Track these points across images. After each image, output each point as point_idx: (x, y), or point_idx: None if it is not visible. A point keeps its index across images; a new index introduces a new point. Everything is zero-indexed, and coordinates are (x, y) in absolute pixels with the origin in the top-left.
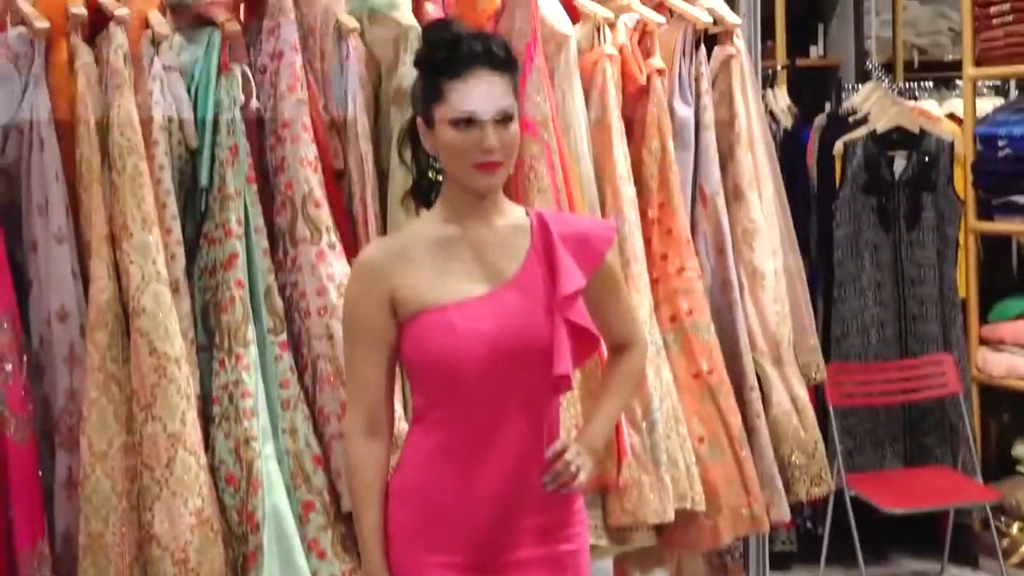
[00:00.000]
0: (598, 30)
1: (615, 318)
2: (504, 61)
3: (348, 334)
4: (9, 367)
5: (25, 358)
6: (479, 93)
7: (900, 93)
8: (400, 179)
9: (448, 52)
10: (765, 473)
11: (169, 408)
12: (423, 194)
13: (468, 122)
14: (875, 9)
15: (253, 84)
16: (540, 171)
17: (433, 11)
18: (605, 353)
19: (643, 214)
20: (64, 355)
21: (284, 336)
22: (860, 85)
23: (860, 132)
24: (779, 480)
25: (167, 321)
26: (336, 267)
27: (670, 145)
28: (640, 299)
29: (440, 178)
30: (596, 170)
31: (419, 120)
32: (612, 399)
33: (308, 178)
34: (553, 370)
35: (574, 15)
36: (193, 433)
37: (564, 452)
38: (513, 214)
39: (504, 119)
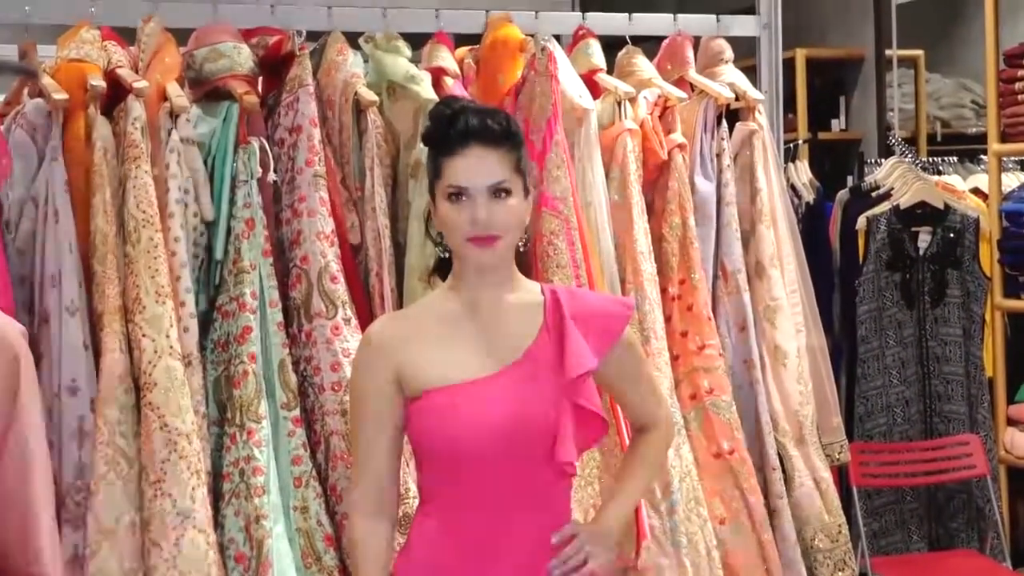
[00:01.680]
0: (619, 105)
1: (636, 398)
2: (502, 135)
3: (355, 410)
4: None
5: None
6: (470, 167)
7: (923, 167)
8: (416, 253)
9: (446, 128)
10: (788, 557)
11: (179, 484)
12: (445, 271)
13: (459, 195)
14: (897, 82)
15: (271, 157)
16: (559, 246)
17: (452, 85)
18: (626, 434)
19: (663, 290)
20: (73, 429)
21: (297, 411)
22: (883, 159)
23: (883, 207)
24: (802, 564)
25: (179, 396)
26: (351, 342)
27: (691, 221)
28: (660, 377)
29: (447, 255)
30: (616, 246)
31: (429, 198)
32: (632, 482)
33: (324, 252)
34: (556, 456)
35: (595, 90)
36: (203, 510)
37: (572, 537)
38: (527, 290)
39: (499, 192)
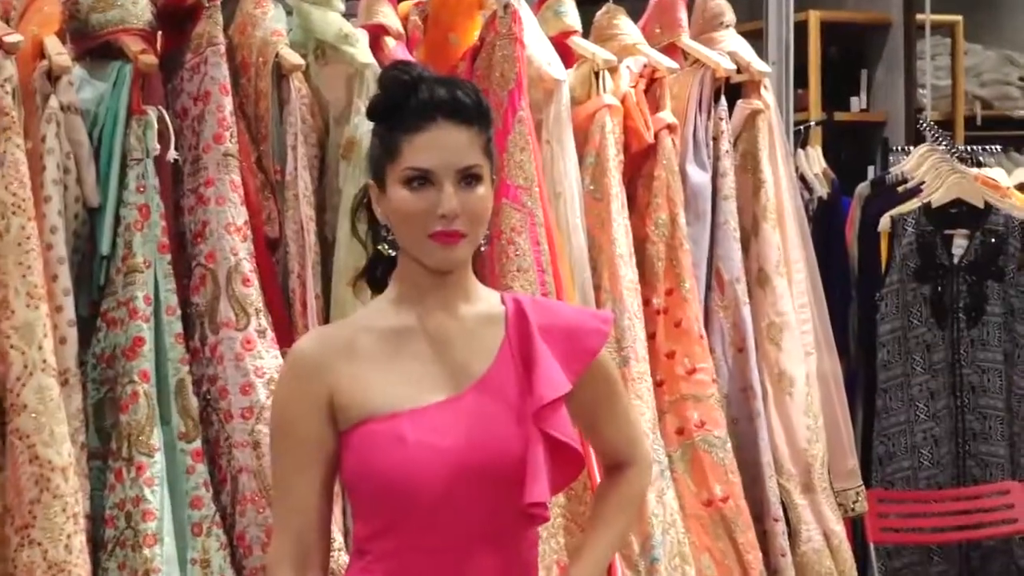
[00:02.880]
0: (596, 76)
1: (610, 431)
2: (473, 111)
3: (276, 443)
4: None
5: None
6: (437, 146)
7: (960, 157)
8: (346, 252)
9: (404, 99)
10: None
11: (51, 530)
12: (378, 276)
13: (423, 180)
14: (930, 53)
15: (171, 131)
16: (521, 246)
17: (395, 47)
18: (596, 473)
19: (646, 302)
20: None
21: (198, 443)
22: (911, 146)
23: (911, 205)
24: None
25: (53, 421)
26: (266, 359)
27: (681, 218)
28: (641, 407)
29: (394, 253)
30: (590, 247)
31: (371, 183)
32: (605, 532)
33: (236, 248)
34: (525, 496)
35: (568, 58)
36: (80, 562)
37: None
38: (484, 300)
39: (469, 179)
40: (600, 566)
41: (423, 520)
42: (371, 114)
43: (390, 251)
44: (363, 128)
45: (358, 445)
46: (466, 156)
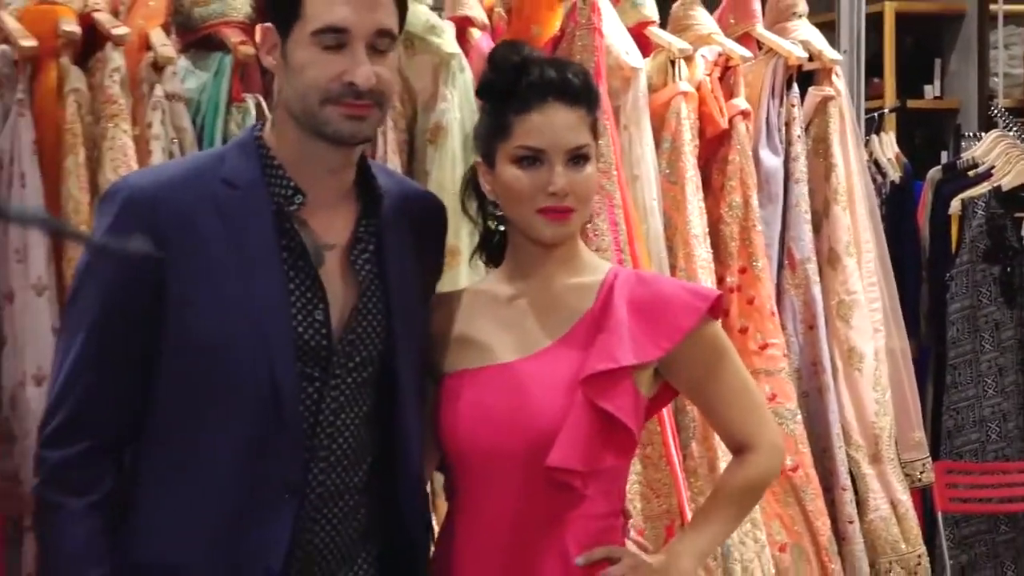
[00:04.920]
0: (672, 64)
1: (723, 412)
2: (582, 92)
3: None
4: None
5: None
6: (549, 126)
7: None
8: None
9: (515, 79)
10: None
11: None
12: (492, 250)
13: (534, 160)
14: (1003, 42)
15: (269, 117)
16: (600, 227)
17: (480, 38)
18: (672, 443)
19: (720, 280)
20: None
21: None
22: (983, 132)
23: (982, 188)
24: None
25: None
26: None
27: (754, 200)
28: None
29: (503, 228)
30: (666, 228)
31: (479, 161)
32: (716, 513)
33: None
34: (548, 459)
35: (645, 47)
36: None
37: (607, 562)
38: (589, 271)
39: (578, 159)
40: (708, 545)
41: (475, 473)
42: (481, 92)
43: (499, 226)
44: (449, 115)
45: (436, 399)
46: (576, 136)
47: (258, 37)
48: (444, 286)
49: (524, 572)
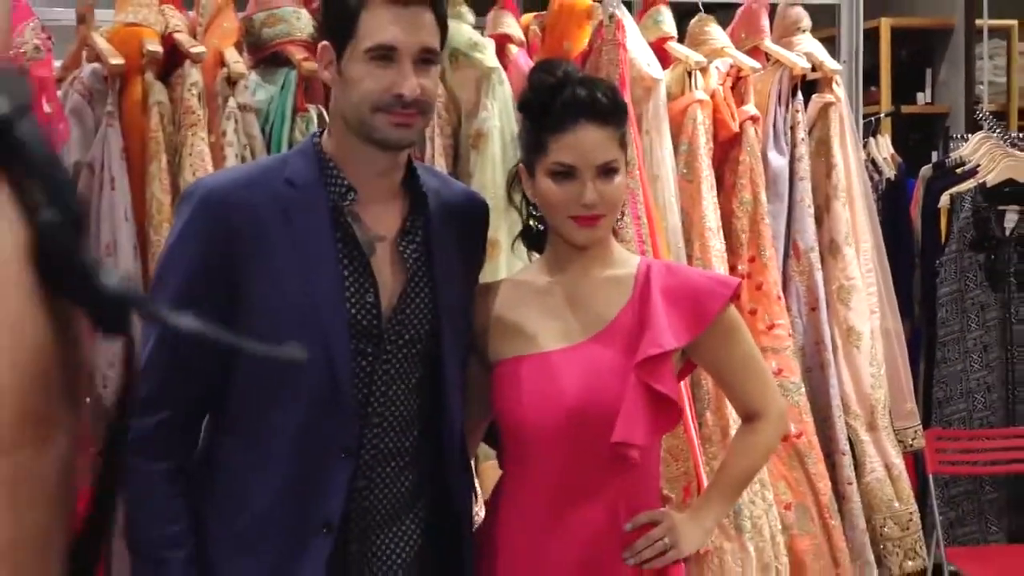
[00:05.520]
0: (689, 75)
1: (739, 385)
2: (610, 110)
3: None
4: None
5: (89, 401)
6: (579, 145)
7: (1013, 143)
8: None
9: (550, 100)
10: (856, 544)
11: None
12: (533, 238)
13: (567, 174)
14: (988, 53)
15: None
16: (624, 221)
17: (517, 53)
18: (690, 415)
19: (732, 268)
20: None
21: None
22: (970, 134)
23: (969, 184)
24: (871, 552)
25: None
26: None
27: (762, 196)
28: None
29: (542, 228)
30: (684, 221)
31: (522, 167)
32: (730, 473)
33: None
34: (613, 435)
35: (665, 60)
36: None
37: (651, 525)
38: (622, 264)
39: (607, 172)
40: (728, 503)
41: (534, 450)
42: (521, 109)
43: (539, 225)
44: (490, 122)
45: (494, 383)
46: (604, 152)
47: (318, 54)
48: (485, 275)
49: (575, 532)
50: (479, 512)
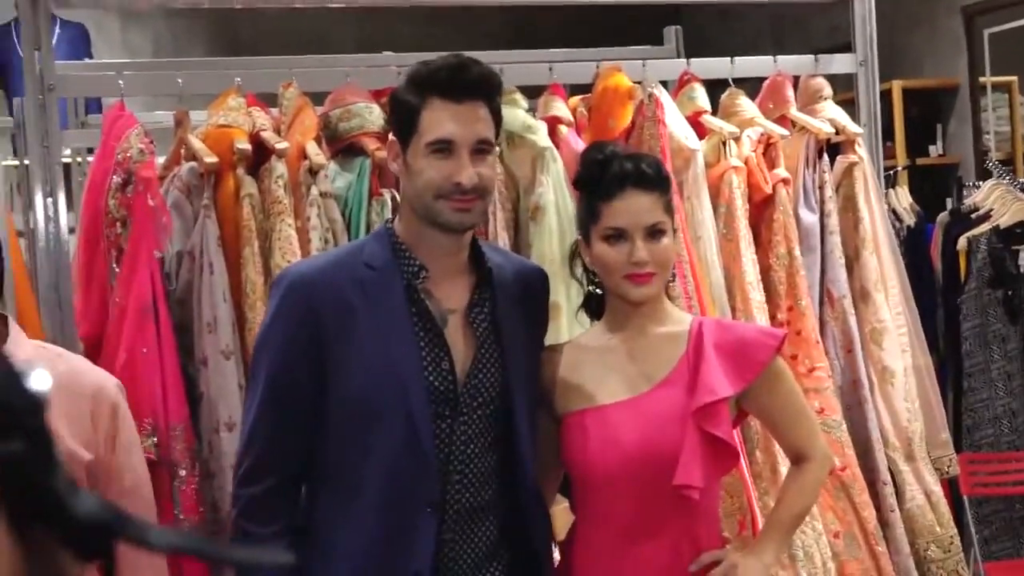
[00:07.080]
0: (724, 144)
1: (787, 429)
2: (654, 179)
3: None
4: (183, 472)
5: (197, 465)
6: (628, 209)
7: (1021, 188)
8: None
9: (601, 173)
10: (902, 567)
11: None
12: (593, 307)
13: (619, 237)
14: (992, 106)
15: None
16: (673, 283)
17: (567, 132)
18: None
19: (772, 317)
20: (232, 462)
21: None
22: (981, 182)
23: (983, 228)
24: (916, 574)
25: None
26: None
27: (796, 250)
28: None
29: (599, 291)
30: (726, 277)
31: (580, 239)
32: (785, 512)
33: None
34: (675, 478)
35: (701, 131)
36: None
37: (713, 564)
38: (676, 322)
39: (655, 233)
40: (779, 537)
41: (603, 495)
42: (576, 184)
43: (597, 290)
44: (546, 197)
45: (563, 434)
46: (651, 215)
47: (387, 148)
48: (548, 337)
49: (643, 571)
50: (555, 555)
